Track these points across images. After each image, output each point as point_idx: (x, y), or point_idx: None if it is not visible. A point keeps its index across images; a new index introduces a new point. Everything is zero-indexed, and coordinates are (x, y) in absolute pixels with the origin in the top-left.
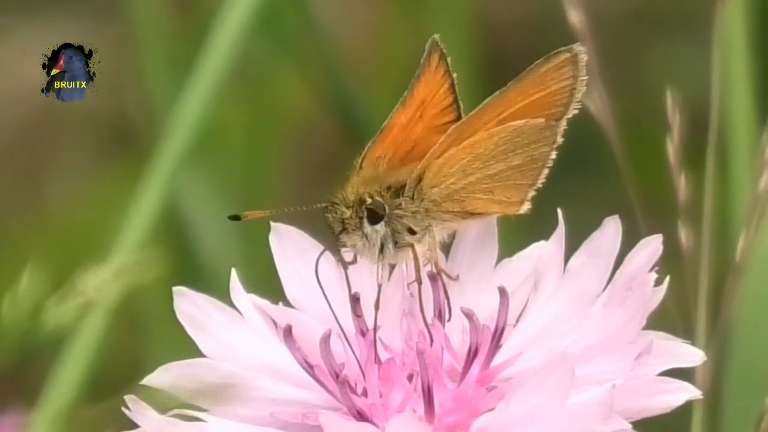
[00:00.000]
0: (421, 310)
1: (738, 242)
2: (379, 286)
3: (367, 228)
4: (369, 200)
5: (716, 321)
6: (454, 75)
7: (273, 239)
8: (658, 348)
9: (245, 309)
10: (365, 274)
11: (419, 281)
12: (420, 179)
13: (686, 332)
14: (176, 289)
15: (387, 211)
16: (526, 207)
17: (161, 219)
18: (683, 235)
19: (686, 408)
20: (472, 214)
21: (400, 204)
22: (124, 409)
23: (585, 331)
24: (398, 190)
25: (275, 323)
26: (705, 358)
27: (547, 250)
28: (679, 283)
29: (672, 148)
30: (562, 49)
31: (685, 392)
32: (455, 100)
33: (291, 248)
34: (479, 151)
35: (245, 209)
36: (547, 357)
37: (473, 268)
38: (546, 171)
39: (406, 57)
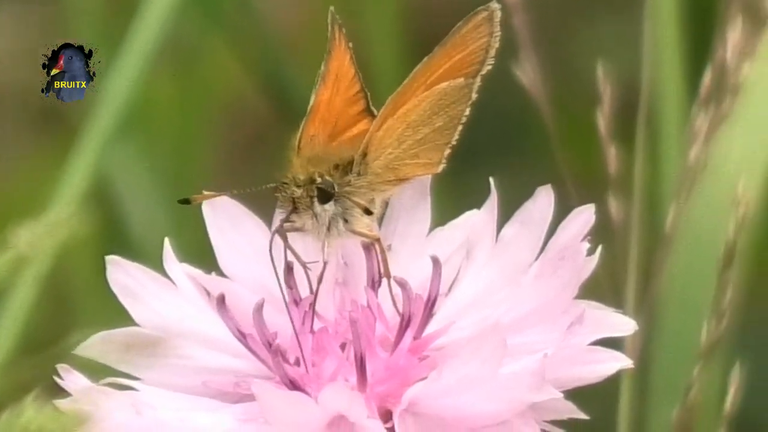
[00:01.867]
0: (387, 276)
1: (668, 214)
2: (325, 264)
3: (317, 207)
4: (319, 179)
5: (646, 291)
6: (350, 44)
7: (206, 209)
8: (589, 317)
9: (178, 278)
10: (298, 245)
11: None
12: (365, 154)
13: (616, 303)
14: (109, 258)
15: (336, 189)
16: (442, 166)
17: (91, 194)
18: (613, 206)
19: (616, 378)
20: (402, 180)
21: (350, 181)
22: (56, 378)
23: (517, 301)
24: (346, 167)
25: (208, 293)
26: (636, 328)
27: (480, 219)
28: (610, 254)
29: (602, 120)
30: (480, 8)
31: (617, 361)
32: (357, 71)
33: (224, 218)
34: (411, 119)
35: (176, 184)
36: (480, 326)
37: (406, 237)
38: (460, 128)
39: None
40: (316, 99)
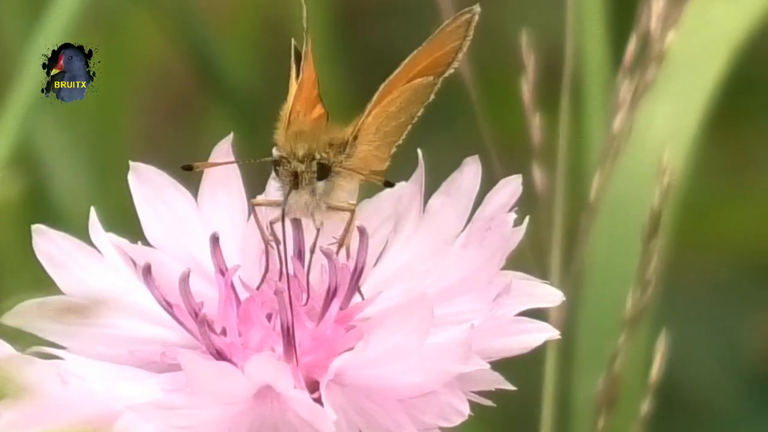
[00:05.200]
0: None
1: (592, 183)
2: (317, 233)
3: (316, 183)
4: (318, 156)
5: (570, 261)
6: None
7: (132, 179)
8: (516, 288)
9: (104, 248)
10: (223, 214)
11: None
12: (356, 137)
13: (541, 273)
14: (35, 227)
15: (332, 166)
16: (387, 163)
17: (13, 162)
18: (538, 176)
19: (541, 348)
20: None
21: (341, 161)
22: None
23: (444, 271)
24: (338, 148)
25: (134, 262)
26: (564, 299)
27: (407, 190)
28: (534, 224)
29: (527, 89)
30: (465, 9)
31: (543, 332)
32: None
33: (149, 188)
34: (390, 110)
35: (98, 152)
36: (407, 297)
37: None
38: (409, 128)
39: (259, 4)
40: (303, 76)
